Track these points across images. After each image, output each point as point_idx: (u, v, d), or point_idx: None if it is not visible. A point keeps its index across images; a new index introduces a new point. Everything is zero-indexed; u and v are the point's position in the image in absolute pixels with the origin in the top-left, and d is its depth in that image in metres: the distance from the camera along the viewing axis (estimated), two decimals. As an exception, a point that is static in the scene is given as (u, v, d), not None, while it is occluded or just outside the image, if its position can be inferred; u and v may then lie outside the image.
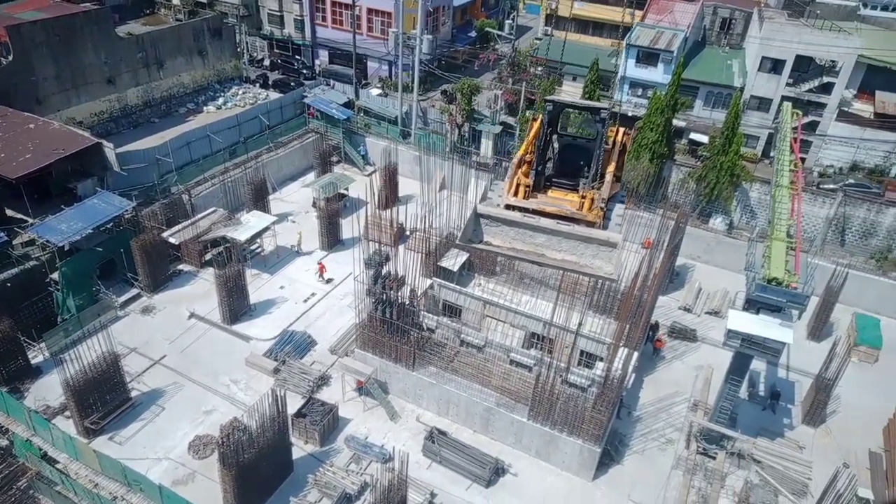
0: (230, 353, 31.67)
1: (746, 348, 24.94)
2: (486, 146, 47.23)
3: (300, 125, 49.19)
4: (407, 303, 29.54)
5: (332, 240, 39.73)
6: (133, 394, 28.88)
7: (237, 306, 33.44)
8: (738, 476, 27.29)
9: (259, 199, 40.44)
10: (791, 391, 31.99)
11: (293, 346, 31.93)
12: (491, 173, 42.51)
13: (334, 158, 47.88)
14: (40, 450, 25.96)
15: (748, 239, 37.59)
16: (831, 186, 43.23)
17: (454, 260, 33.91)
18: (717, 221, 42.49)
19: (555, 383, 25.87)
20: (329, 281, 36.88)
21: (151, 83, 47.50)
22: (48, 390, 28.78)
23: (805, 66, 46.07)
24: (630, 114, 48.84)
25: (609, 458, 27.63)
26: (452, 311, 33.30)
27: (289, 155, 46.79)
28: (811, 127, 45.78)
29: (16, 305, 30.39)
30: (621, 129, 23.33)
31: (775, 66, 46.24)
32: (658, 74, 49.16)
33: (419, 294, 31.53)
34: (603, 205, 20.72)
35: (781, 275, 23.49)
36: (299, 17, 59.29)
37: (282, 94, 50.97)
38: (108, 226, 33.80)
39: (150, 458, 26.42)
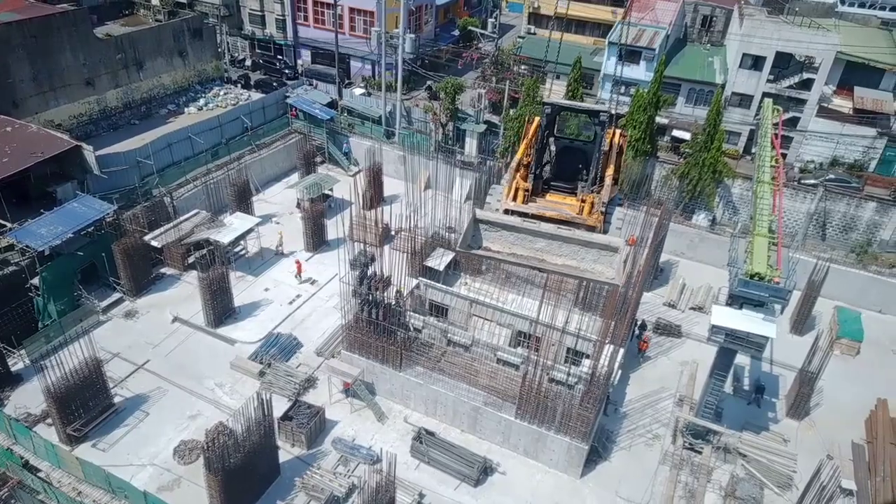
0: (215, 357, 31.39)
1: (730, 343, 25.13)
2: (471, 145, 47.22)
3: (283, 126, 48.88)
4: (393, 303, 29.46)
5: (317, 241, 39.52)
6: (116, 399, 28.53)
7: (221, 309, 33.15)
8: (724, 470, 27.51)
9: (242, 201, 40.13)
10: (775, 385, 32.30)
11: (279, 348, 31.71)
12: (476, 172, 42.54)
13: (318, 159, 47.63)
14: (22, 458, 25.55)
15: (731, 235, 37.98)
16: (812, 182, 43.70)
17: (440, 259, 33.88)
18: (701, 218, 42.81)
19: (542, 381, 25.92)
20: (308, 280, 36.77)
21: (131, 85, 46.92)
22: (29, 398, 28.33)
23: (785, 63, 46.53)
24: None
25: (597, 454, 27.73)
26: (439, 310, 33.25)
27: (272, 156, 46.48)
28: (792, 123, 46.26)
29: (-5, 312, 29.95)
30: (617, 131, 23.22)
31: (756, 62, 46.66)
32: (640, 72, 49.40)
33: (405, 294, 31.46)
34: (603, 209, 20.67)
35: (764, 270, 23.69)
36: (281, 17, 58.92)
37: (264, 95, 50.61)
38: (89, 230, 33.37)
39: (135, 464, 26.10)
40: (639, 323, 33.92)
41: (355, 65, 58.31)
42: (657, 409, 30.51)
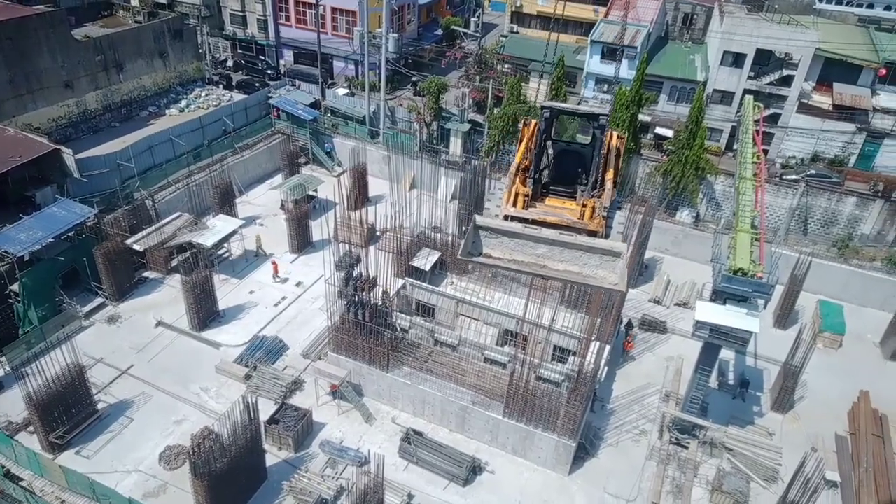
0: (200, 361, 31.11)
1: (715, 338, 25.31)
2: (456, 144, 47.19)
3: (266, 126, 48.56)
4: (379, 304, 29.37)
5: (302, 242, 39.30)
6: (100, 406, 28.18)
7: (206, 313, 32.86)
8: (711, 464, 27.73)
9: (225, 203, 39.79)
10: (759, 379, 32.61)
11: (264, 351, 31.49)
12: (461, 171, 42.52)
13: (302, 160, 47.38)
14: (3, 467, 25.18)
15: (714, 231, 38.23)
16: (793, 177, 44.17)
17: (426, 259, 33.85)
18: (684, 214, 43.11)
19: (529, 379, 25.96)
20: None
21: (111, 87, 46.39)
22: (10, 405, 27.91)
23: (765, 60, 46.96)
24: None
25: (584, 451, 27.84)
26: (426, 310, 33.22)
27: (255, 157, 46.15)
28: (773, 119, 46.71)
29: (-27, 319, 29.48)
30: (614, 134, 23.10)
31: (736, 59, 47.05)
32: (622, 70, 49.63)
33: (392, 295, 31.38)
34: (605, 213, 20.57)
35: (747, 265, 23.87)
36: (262, 17, 58.53)
37: (246, 96, 50.25)
38: (70, 234, 32.97)
39: (120, 471, 25.80)
40: (625, 322, 34.06)
41: (338, 65, 58.05)
42: (644, 405, 30.68)
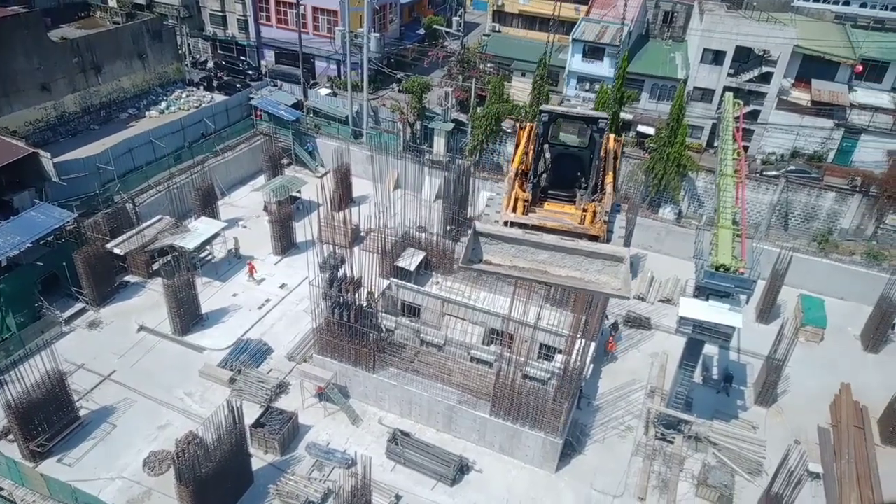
0: (183, 365, 30.80)
1: (698, 334, 25.51)
2: (439, 144, 47.14)
3: (248, 127, 48.19)
4: (365, 305, 29.26)
5: (286, 244, 39.06)
6: (82, 412, 27.81)
7: (188, 316, 32.54)
8: (696, 459, 27.96)
9: (207, 205, 39.45)
10: (743, 373, 32.94)
11: (249, 354, 31.26)
12: (445, 171, 42.52)
13: (285, 161, 47.08)
14: (-17, 477, 24.76)
15: (696, 227, 38.60)
16: (774, 173, 44.62)
17: (411, 259, 33.79)
18: (667, 211, 43.42)
19: (515, 378, 26.00)
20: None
21: (89, 89, 45.71)
22: (-11, 414, 27.43)
23: (745, 57, 47.39)
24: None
25: (571, 448, 27.94)
26: (411, 310, 33.16)
27: (237, 158, 45.78)
28: (753, 116, 47.15)
29: (-50, 326, 28.96)
30: (611, 136, 22.99)
31: (716, 57, 47.41)
32: (604, 68, 49.88)
33: (377, 295, 31.28)
34: (606, 217, 20.46)
35: (729, 261, 24.09)
36: (242, 17, 58.03)
37: (227, 97, 49.79)
38: (49, 239, 32.54)
39: (103, 478, 25.46)
40: (610, 322, 34.18)
41: (320, 65, 57.74)
42: (629, 402, 30.87)
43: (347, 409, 28.98)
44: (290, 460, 26.73)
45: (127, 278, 35.76)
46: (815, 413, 30.70)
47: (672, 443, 28.50)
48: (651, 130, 47.46)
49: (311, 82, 56.50)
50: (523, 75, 54.01)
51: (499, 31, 60.52)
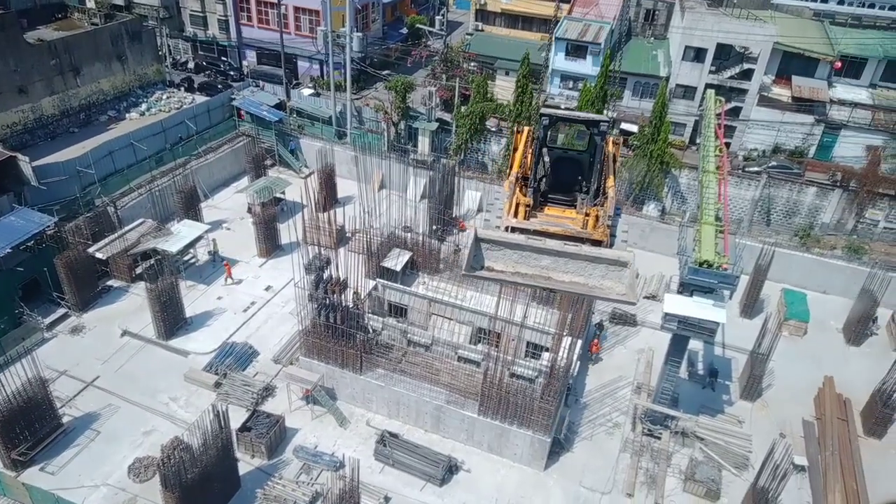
0: (168, 370, 30.47)
1: (683, 330, 25.67)
2: (424, 143, 47.04)
3: (230, 129, 47.77)
4: (351, 306, 29.12)
5: (271, 246, 38.77)
6: (65, 419, 27.41)
7: (172, 320, 32.18)
8: (683, 454, 28.13)
9: (190, 208, 39.05)
10: (728, 368, 33.20)
11: (234, 358, 30.99)
12: (430, 170, 42.44)
13: (268, 162, 46.74)
14: (-37, 487, 24.34)
15: (679, 224, 38.84)
16: (755, 169, 45.07)
17: (396, 259, 33.68)
18: (651, 208, 43.66)
19: (503, 377, 26.01)
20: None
21: (68, 91, 45.10)
22: (-31, 423, 26.94)
23: (726, 55, 47.83)
24: (563, 107, 49.61)
25: (559, 446, 28.00)
26: (398, 311, 33.06)
27: (219, 160, 45.35)
28: (734, 112, 47.60)
29: (-72, 334, 28.43)
30: (610, 139, 22.89)
31: (698, 54, 47.82)
32: (587, 67, 50.09)
33: (363, 296, 31.16)
34: (609, 222, 20.34)
35: (712, 257, 24.25)
36: (223, 18, 57.60)
37: (209, 98, 49.34)
38: (29, 244, 32.03)
39: (87, 485, 25.12)
40: (595, 322, 34.24)
41: (302, 65, 57.43)
42: (616, 398, 31.00)
43: (335, 411, 28.83)
44: (277, 464, 26.54)
45: (110, 283, 35.31)
46: (800, 406, 31.02)
47: (659, 438, 28.66)
48: (634, 128, 47.74)
49: (294, 82, 56.18)
50: (507, 74, 54.08)
51: (482, 30, 60.57)
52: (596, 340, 33.45)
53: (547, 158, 23.18)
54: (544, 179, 23.42)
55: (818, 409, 30.78)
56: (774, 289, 37.79)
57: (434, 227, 39.50)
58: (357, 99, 51.97)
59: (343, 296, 28.65)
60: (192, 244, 36.16)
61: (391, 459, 26.70)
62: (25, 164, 35.04)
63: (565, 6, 56.01)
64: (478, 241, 18.55)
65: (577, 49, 50.06)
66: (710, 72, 47.84)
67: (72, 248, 32.89)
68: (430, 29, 57.76)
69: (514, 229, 19.79)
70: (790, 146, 47.20)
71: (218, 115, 47.82)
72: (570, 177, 23.10)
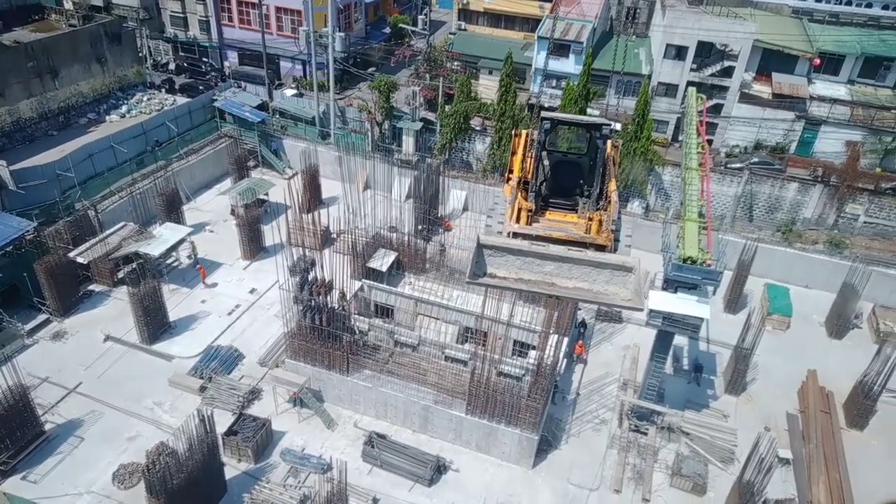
0: (152, 375, 30.15)
1: (668, 326, 25.83)
2: (408, 143, 46.94)
3: (212, 130, 47.36)
4: (337, 307, 28.98)
5: (255, 248, 38.50)
6: (47, 427, 27.04)
7: (156, 325, 31.87)
8: (670, 449, 28.32)
9: (172, 211, 38.67)
10: (712, 363, 33.46)
11: (219, 361, 30.72)
12: (415, 170, 42.35)
13: (251, 163, 46.40)
14: (-57, 498, 23.93)
15: (663, 221, 39.10)
16: (738, 166, 45.44)
17: (382, 260, 33.57)
18: (635, 205, 43.88)
19: (490, 375, 26.01)
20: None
21: (46, 94, 44.42)
22: (-51, 432, 26.47)
23: (707, 52, 48.16)
24: (546, 105, 49.73)
25: (547, 444, 28.08)
26: (384, 311, 32.96)
27: (202, 162, 44.95)
28: (716, 110, 47.94)
29: None
30: (609, 141, 22.83)
31: (679, 52, 48.09)
32: (570, 65, 50.23)
33: (349, 297, 31.04)
34: (613, 226, 20.19)
35: (696, 254, 24.42)
36: (204, 18, 57.05)
37: (190, 99, 48.87)
38: (8, 249, 31.54)
39: (71, 493, 24.81)
40: (578, 321, 34.25)
41: (285, 65, 57.07)
42: (603, 395, 31.14)
43: (322, 413, 28.69)
44: (264, 468, 26.36)
45: (91, 287, 34.88)
46: (784, 399, 31.34)
47: (646, 434, 28.82)
48: (617, 126, 47.79)
49: (277, 83, 55.80)
50: (490, 73, 54.11)
51: (465, 30, 60.53)
52: (581, 342, 33.48)
53: (546, 162, 23.02)
54: (545, 184, 23.25)
55: (802, 402, 31.13)
56: (757, 284, 38.15)
57: (419, 227, 39.43)
58: (340, 99, 51.73)
59: (329, 297, 28.51)
60: (174, 247, 35.80)
61: (379, 461, 26.62)
62: (3, 168, 34.56)
63: (547, 4, 56.13)
64: (480, 247, 18.31)
65: (559, 48, 50.16)
66: (692, 69, 48.15)
67: (52, 252, 32.46)
68: (414, 28, 57.55)
69: (516, 235, 19.61)
70: (771, 142, 47.64)
71: (199, 116, 47.40)
72: (571, 181, 22.96)
